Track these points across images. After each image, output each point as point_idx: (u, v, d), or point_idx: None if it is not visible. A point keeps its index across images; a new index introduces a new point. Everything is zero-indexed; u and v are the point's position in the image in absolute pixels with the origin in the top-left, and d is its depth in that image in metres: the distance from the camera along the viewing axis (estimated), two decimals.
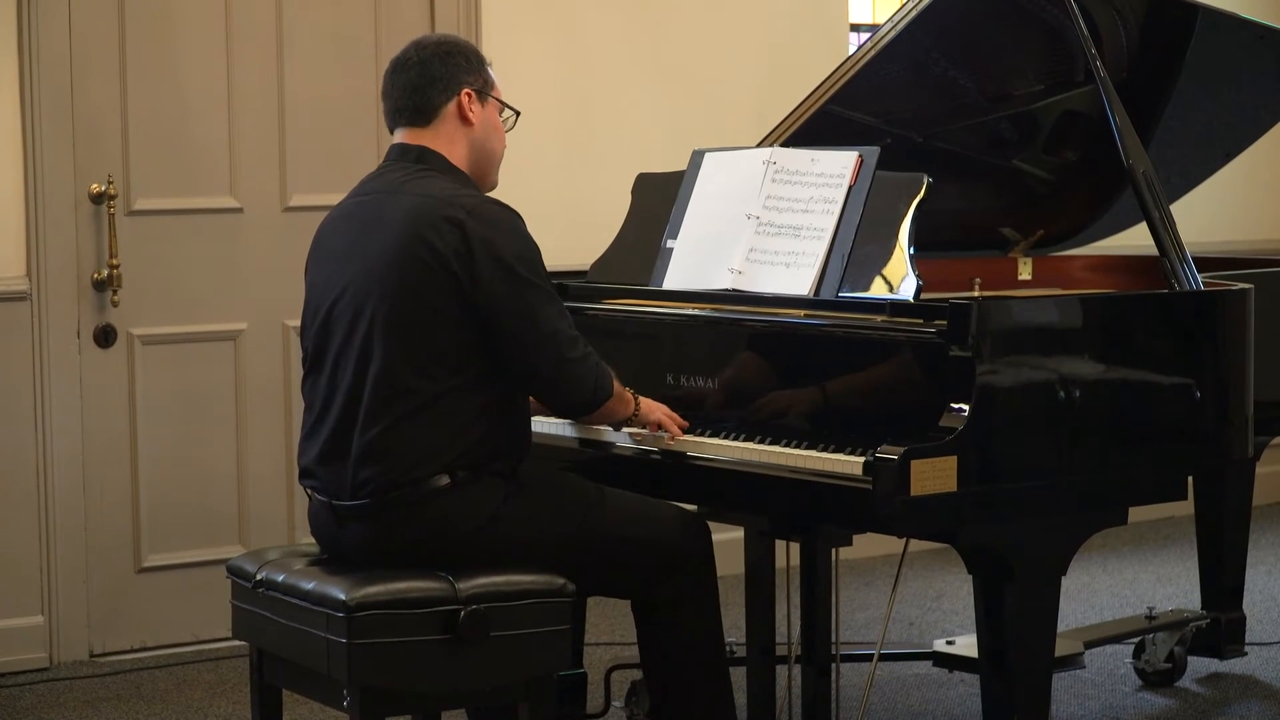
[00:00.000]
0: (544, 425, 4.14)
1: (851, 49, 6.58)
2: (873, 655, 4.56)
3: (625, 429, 4.03)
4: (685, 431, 4.02)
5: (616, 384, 3.92)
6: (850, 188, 4.03)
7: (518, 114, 4.01)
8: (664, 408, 4.04)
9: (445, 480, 3.73)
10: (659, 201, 4.37)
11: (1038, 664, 3.86)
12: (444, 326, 3.73)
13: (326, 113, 5.81)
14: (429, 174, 3.85)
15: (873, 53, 4.49)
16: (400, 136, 3.92)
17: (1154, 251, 4.23)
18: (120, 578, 5.61)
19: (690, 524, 3.96)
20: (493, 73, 3.97)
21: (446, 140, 3.89)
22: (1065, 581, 3.92)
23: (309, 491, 3.90)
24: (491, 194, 3.92)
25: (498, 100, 3.95)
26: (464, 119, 3.89)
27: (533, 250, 3.79)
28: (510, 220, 3.79)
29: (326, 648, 3.64)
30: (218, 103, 5.67)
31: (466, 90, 3.89)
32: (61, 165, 5.46)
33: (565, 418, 4.07)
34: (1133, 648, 5.29)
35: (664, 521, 3.93)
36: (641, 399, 4.00)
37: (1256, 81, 5.01)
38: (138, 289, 5.57)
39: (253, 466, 5.76)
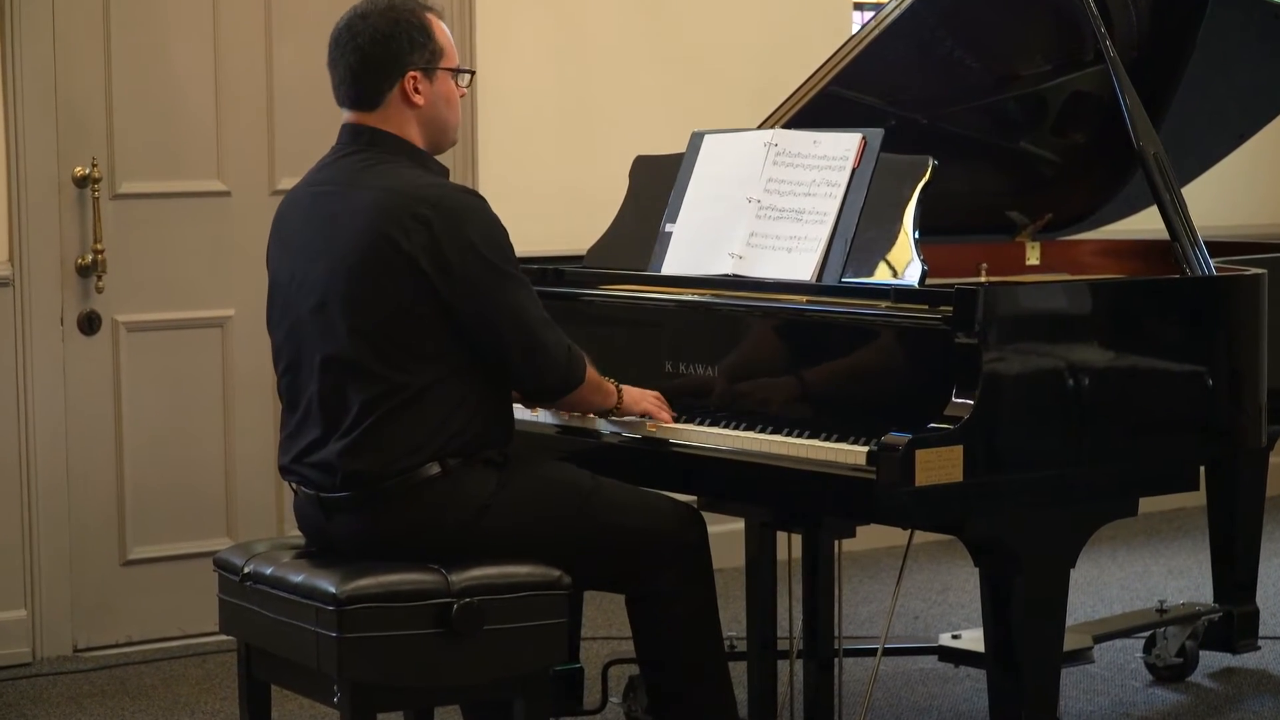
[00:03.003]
0: (530, 414, 4.15)
1: (855, 28, 6.58)
2: (876, 650, 4.56)
3: (610, 420, 4.03)
4: (685, 421, 4.02)
5: (594, 374, 3.92)
6: (853, 170, 4.03)
7: (472, 73, 3.99)
8: (652, 396, 4.04)
9: (436, 469, 3.74)
10: (657, 185, 4.37)
11: (1046, 658, 3.86)
12: (420, 322, 3.72)
13: (316, 94, 5.75)
14: (386, 160, 3.82)
15: (877, 32, 4.48)
16: (349, 116, 3.90)
17: (1165, 236, 4.23)
18: (105, 570, 5.61)
19: (685, 515, 3.95)
20: (443, 31, 3.90)
21: (397, 121, 3.86)
22: (1074, 574, 3.93)
23: (294, 486, 3.90)
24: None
25: (447, 70, 3.91)
26: (410, 102, 3.86)
27: (500, 235, 3.78)
28: (476, 207, 3.78)
29: (316, 642, 3.64)
30: (205, 83, 5.66)
31: (412, 74, 3.85)
32: (44, 147, 5.45)
33: (538, 403, 4.06)
34: (1143, 642, 5.29)
35: (658, 512, 3.93)
36: (626, 390, 4.01)
37: (1270, 62, 5.01)
38: (123, 274, 5.56)
39: (241, 456, 5.76)
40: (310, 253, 3.82)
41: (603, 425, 4.09)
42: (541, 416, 4.20)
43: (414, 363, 3.73)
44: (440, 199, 3.75)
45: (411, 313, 3.72)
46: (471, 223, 3.75)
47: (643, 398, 4.03)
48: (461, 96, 3.95)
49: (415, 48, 3.85)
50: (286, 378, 3.89)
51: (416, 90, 3.85)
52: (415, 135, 3.88)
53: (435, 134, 3.91)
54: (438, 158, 3.94)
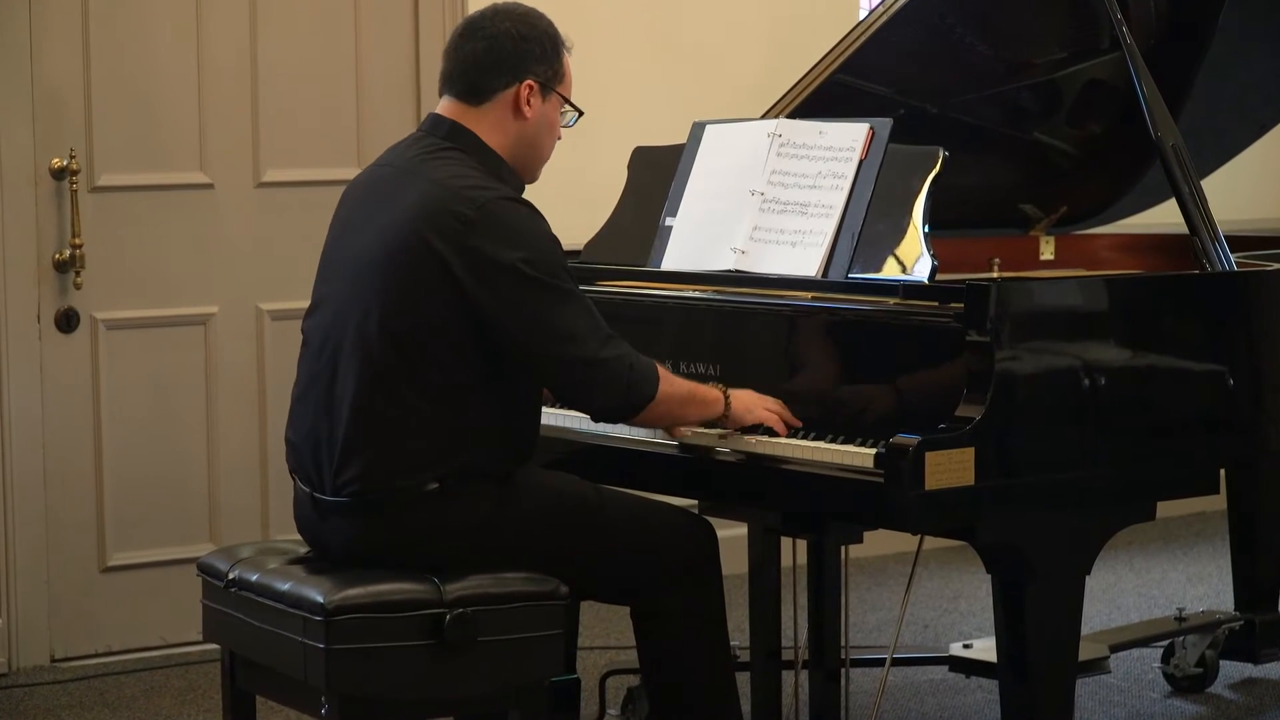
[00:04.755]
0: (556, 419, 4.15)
1: (862, 14, 6.58)
2: (885, 660, 4.56)
3: (722, 434, 3.91)
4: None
5: (680, 384, 3.82)
6: (861, 162, 4.03)
7: (580, 114, 3.97)
8: (772, 405, 3.89)
9: (435, 485, 3.72)
10: (657, 177, 4.36)
11: (1060, 669, 3.87)
12: (443, 329, 3.70)
13: (303, 83, 5.80)
14: (452, 154, 3.81)
15: (885, 18, 4.49)
16: (443, 106, 3.89)
17: (1184, 230, 4.23)
18: (84, 577, 5.60)
19: (694, 527, 3.94)
20: (569, 63, 3.92)
21: (491, 126, 3.84)
22: (1090, 581, 3.93)
23: (293, 476, 3.89)
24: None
25: (561, 96, 3.91)
26: (518, 111, 3.85)
27: (548, 247, 3.74)
28: (523, 217, 3.75)
29: (303, 652, 3.64)
30: (187, 71, 5.66)
31: (530, 82, 3.84)
32: (20, 138, 5.45)
33: (607, 422, 3.94)
34: (1161, 651, 5.29)
35: (667, 526, 3.91)
36: (736, 396, 3.87)
37: None
38: (102, 270, 5.56)
39: (225, 458, 5.76)
40: (352, 235, 3.83)
41: (603, 428, 4.07)
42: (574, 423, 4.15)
43: (434, 372, 3.70)
44: (487, 203, 3.71)
45: (437, 317, 3.69)
46: (514, 233, 3.71)
47: (757, 405, 3.89)
48: (558, 139, 3.94)
49: (544, 59, 3.86)
50: (309, 349, 3.87)
51: (529, 102, 3.84)
52: (504, 146, 3.85)
53: (525, 155, 3.88)
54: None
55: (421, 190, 3.75)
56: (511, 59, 3.84)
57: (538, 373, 3.78)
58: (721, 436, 3.91)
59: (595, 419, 3.93)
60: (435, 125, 3.88)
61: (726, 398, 3.88)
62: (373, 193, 3.85)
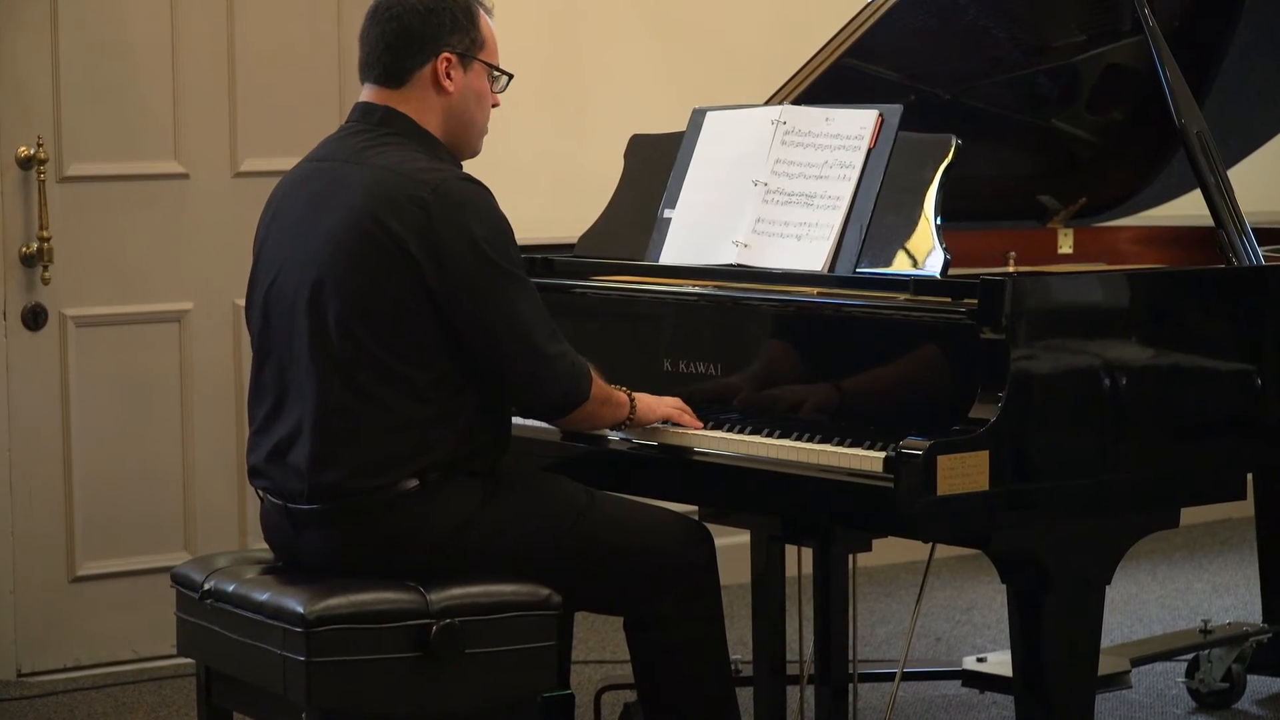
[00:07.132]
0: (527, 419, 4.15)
1: None
2: (895, 674, 4.56)
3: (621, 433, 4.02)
4: None
5: (601, 385, 3.90)
6: (869, 151, 4.03)
7: (509, 77, 3.99)
8: (672, 403, 4.01)
9: (414, 483, 3.73)
10: (655, 166, 4.37)
11: (1079, 684, 3.87)
12: (407, 318, 3.72)
13: (282, 68, 5.80)
14: (392, 140, 3.84)
15: None
16: (367, 93, 3.92)
17: (1209, 222, 4.23)
18: (52, 588, 5.61)
19: (690, 532, 3.95)
20: (489, 26, 3.94)
21: (418, 106, 3.88)
22: (1110, 591, 3.93)
23: (260, 492, 3.90)
24: (466, 163, 3.91)
25: (485, 64, 3.93)
26: (439, 86, 3.88)
27: (505, 233, 3.79)
28: (481, 198, 3.78)
29: (283, 666, 3.64)
30: (161, 55, 5.66)
31: (446, 55, 3.87)
32: None
33: (535, 419, 4.03)
34: (1185, 665, 5.29)
35: (660, 529, 3.92)
36: (640, 398, 3.98)
37: None
38: (71, 265, 5.56)
39: (200, 462, 5.76)
40: (297, 232, 3.83)
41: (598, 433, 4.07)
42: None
43: (400, 364, 3.72)
44: (441, 184, 3.75)
45: (400, 307, 3.71)
46: (474, 214, 3.75)
47: (659, 404, 4.00)
48: (494, 105, 3.96)
49: (457, 29, 3.88)
50: (256, 361, 3.88)
51: (448, 75, 3.87)
52: (435, 125, 3.89)
53: (458, 130, 3.92)
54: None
55: (371, 177, 3.77)
56: (422, 34, 3.86)
57: (485, 360, 3.78)
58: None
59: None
60: (367, 114, 3.90)
61: (631, 400, 3.95)
62: (315, 189, 3.85)
